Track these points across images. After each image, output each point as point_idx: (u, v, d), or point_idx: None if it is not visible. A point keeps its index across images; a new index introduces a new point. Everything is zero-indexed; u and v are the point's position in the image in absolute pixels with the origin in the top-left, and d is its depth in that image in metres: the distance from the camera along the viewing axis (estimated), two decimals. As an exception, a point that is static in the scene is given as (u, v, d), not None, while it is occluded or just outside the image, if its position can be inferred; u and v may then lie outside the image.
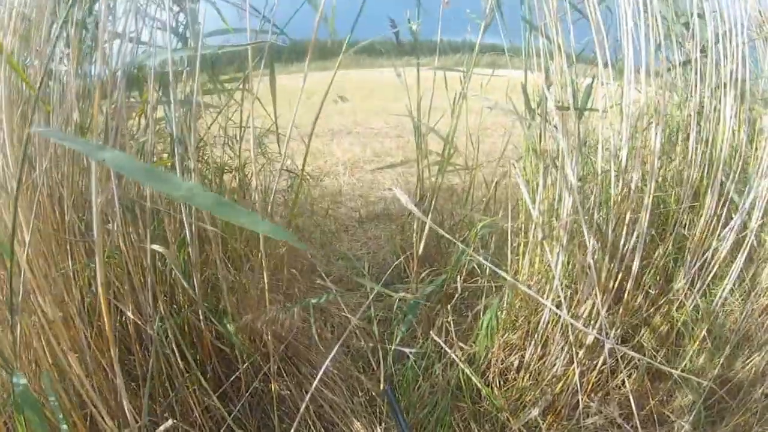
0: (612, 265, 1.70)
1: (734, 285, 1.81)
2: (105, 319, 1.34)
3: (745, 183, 1.86)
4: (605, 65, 1.70)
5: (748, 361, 1.77)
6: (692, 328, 1.80)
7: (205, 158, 2.16)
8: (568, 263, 1.78)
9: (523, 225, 1.97)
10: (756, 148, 1.95)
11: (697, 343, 1.78)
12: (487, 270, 1.97)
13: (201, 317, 1.71)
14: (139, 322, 1.61)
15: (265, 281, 1.77)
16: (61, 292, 1.47)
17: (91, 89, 1.73)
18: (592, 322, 1.70)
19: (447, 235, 1.22)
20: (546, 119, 1.80)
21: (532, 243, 1.87)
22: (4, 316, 1.38)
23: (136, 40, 1.70)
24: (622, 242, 1.70)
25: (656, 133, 1.67)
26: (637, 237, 1.67)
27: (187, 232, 1.67)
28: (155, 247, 1.56)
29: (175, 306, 1.77)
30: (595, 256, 1.68)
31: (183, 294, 1.76)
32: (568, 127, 1.72)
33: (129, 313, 1.59)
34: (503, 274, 1.13)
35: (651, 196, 1.64)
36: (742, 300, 1.83)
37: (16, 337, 1.22)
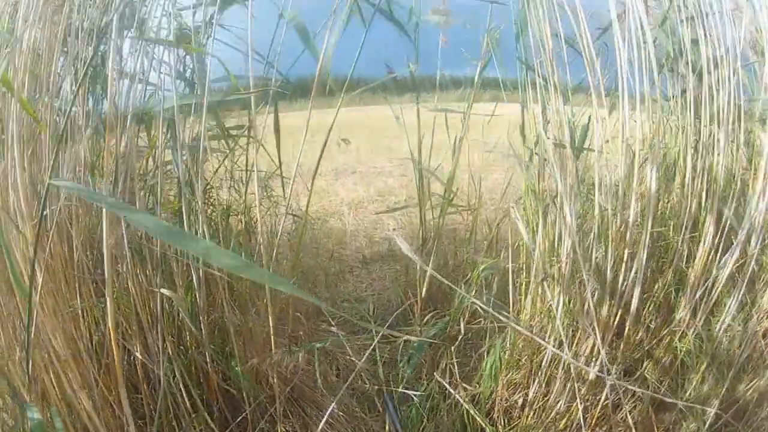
0: (612, 302, 1.77)
1: (736, 310, 1.85)
2: (115, 360, 1.41)
3: (744, 206, 1.91)
4: (600, 102, 1.79)
5: (752, 383, 1.81)
6: (696, 357, 1.85)
7: (211, 201, 2.25)
8: (569, 302, 1.84)
9: (524, 265, 2.04)
10: (755, 170, 1.98)
11: (701, 371, 1.83)
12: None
13: (208, 359, 1.78)
14: (147, 362, 1.68)
15: (271, 325, 1.85)
16: (70, 329, 1.54)
17: (99, 128, 1.82)
18: (593, 359, 1.76)
19: (447, 283, 1.30)
20: (544, 159, 1.89)
21: (534, 282, 1.94)
22: (9, 343, 1.46)
23: (144, 81, 1.82)
24: (621, 279, 1.77)
25: (652, 172, 1.75)
26: (636, 273, 1.74)
27: (194, 276, 1.75)
28: (164, 291, 1.64)
29: (182, 347, 1.84)
30: (595, 296, 1.76)
31: (190, 335, 1.83)
32: (565, 165, 1.80)
33: (137, 354, 1.66)
34: (504, 319, 1.20)
35: (648, 233, 1.71)
36: (744, 323, 1.88)
37: (29, 371, 1.29)
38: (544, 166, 1.94)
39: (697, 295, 1.85)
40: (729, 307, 1.83)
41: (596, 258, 1.80)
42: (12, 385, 1.36)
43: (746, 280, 1.82)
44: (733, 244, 1.84)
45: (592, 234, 1.81)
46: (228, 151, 2.16)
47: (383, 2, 2.09)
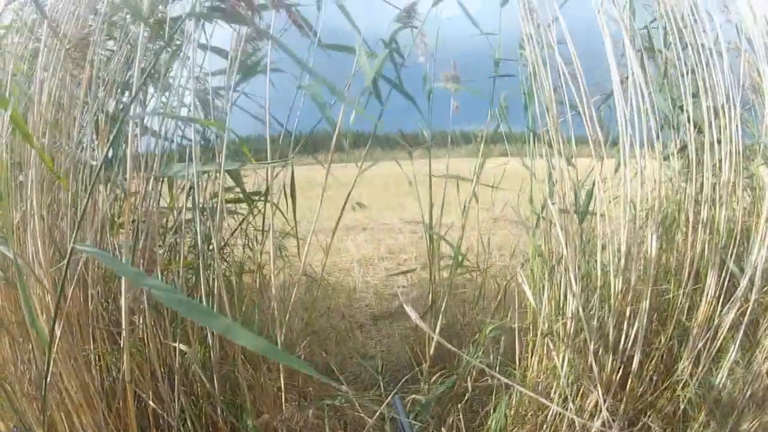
0: (615, 358, 1.84)
1: (738, 353, 1.90)
2: (129, 408, 1.50)
3: (747, 249, 1.98)
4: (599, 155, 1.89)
5: (755, 420, 1.86)
6: (698, 404, 1.90)
7: (227, 259, 2.35)
8: (574, 359, 1.91)
9: (531, 324, 2.11)
10: (757, 214, 2.03)
11: (703, 416, 1.88)
12: (497, 369, 2.11)
13: (218, 411, 1.85)
14: (158, 409, 1.75)
15: (282, 381, 1.92)
16: (83, 372, 1.63)
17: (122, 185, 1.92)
18: (598, 412, 1.81)
19: (454, 349, 1.37)
20: (550, 221, 1.99)
21: (540, 340, 2.02)
22: (21, 378, 1.53)
23: (167, 139, 1.93)
24: (624, 335, 1.84)
25: (652, 239, 1.83)
26: (638, 330, 1.81)
27: (208, 332, 1.84)
28: (180, 346, 1.73)
29: (193, 397, 1.92)
30: (599, 354, 1.83)
31: (201, 387, 1.91)
32: (570, 228, 1.90)
33: (150, 401, 1.74)
34: (509, 381, 1.26)
35: (648, 295, 1.79)
36: (748, 364, 1.92)
37: (45, 414, 1.36)
38: (550, 229, 2.02)
39: (699, 345, 1.92)
40: (732, 352, 1.89)
41: (599, 317, 1.87)
42: (24, 421, 1.43)
43: (750, 323, 1.89)
44: (736, 288, 1.91)
45: (596, 295, 1.89)
46: (245, 213, 2.27)
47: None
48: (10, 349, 1.62)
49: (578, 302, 1.81)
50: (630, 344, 1.84)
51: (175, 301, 0.97)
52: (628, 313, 1.84)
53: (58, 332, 1.50)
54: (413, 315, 1.05)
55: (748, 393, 1.89)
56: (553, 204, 1.93)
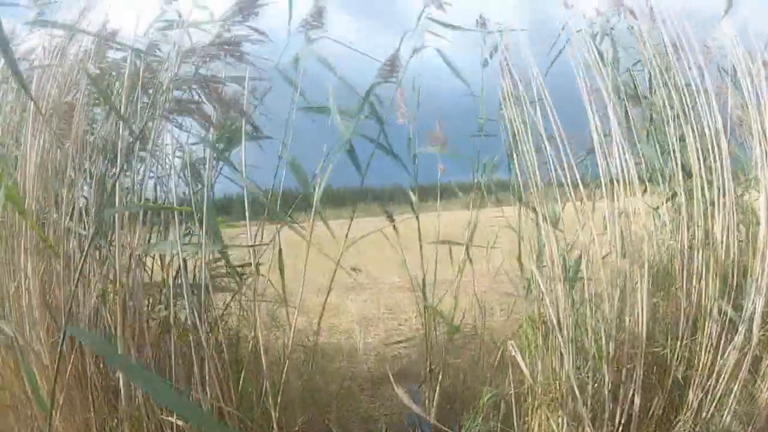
0: (611, 423, 1.84)
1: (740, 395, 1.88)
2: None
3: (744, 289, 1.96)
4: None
5: None
6: None
7: (219, 328, 2.35)
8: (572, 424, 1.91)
9: (529, 389, 2.11)
10: (753, 252, 2.02)
11: None
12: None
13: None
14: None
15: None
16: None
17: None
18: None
19: (446, 429, 1.37)
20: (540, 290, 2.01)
21: (539, 405, 2.02)
22: None
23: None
24: (621, 397, 1.84)
25: (643, 311, 1.85)
26: (634, 392, 1.81)
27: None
28: (178, 422, 1.74)
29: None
30: (596, 419, 1.83)
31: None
32: (560, 293, 1.92)
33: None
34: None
35: (642, 358, 1.80)
36: (751, 400, 1.91)
37: None
38: (540, 295, 2.04)
39: (701, 394, 1.91)
40: (734, 394, 1.87)
41: (594, 380, 1.88)
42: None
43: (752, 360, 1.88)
44: (735, 327, 1.91)
45: (591, 360, 1.90)
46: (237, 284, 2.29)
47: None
48: (13, 414, 1.64)
49: (571, 373, 1.82)
50: (628, 405, 1.84)
51: (151, 389, 0.98)
52: (624, 376, 1.84)
53: (60, 399, 1.52)
54: (404, 396, 1.07)
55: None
56: (542, 267, 1.95)
